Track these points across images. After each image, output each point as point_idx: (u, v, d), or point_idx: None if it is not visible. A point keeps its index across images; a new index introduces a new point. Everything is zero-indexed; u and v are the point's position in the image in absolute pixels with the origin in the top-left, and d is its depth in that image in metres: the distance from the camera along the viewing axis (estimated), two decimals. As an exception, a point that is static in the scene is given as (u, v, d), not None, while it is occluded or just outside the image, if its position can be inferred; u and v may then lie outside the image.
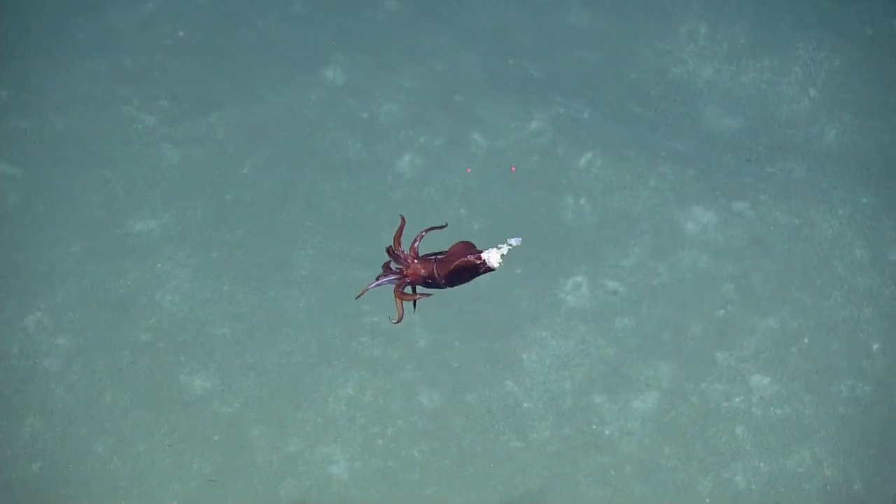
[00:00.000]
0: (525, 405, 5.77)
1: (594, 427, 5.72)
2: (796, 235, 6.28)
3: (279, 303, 6.06)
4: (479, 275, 3.70)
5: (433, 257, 3.74)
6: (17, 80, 6.73)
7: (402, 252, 3.75)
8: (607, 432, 5.71)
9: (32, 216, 6.34)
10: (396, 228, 3.82)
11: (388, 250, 3.76)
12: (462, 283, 3.74)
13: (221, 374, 5.82)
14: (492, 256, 3.64)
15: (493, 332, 5.98)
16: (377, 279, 3.77)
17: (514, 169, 6.27)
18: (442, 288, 3.76)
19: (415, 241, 3.75)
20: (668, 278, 6.13)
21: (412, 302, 3.76)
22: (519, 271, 6.16)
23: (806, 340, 5.95)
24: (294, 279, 6.13)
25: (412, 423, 5.71)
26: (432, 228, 3.84)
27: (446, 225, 3.81)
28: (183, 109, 6.68)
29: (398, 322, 3.74)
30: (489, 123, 6.64)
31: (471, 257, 3.64)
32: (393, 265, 3.76)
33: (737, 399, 5.77)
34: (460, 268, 3.67)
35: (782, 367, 5.86)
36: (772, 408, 5.75)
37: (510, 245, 3.64)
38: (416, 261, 3.72)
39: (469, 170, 6.28)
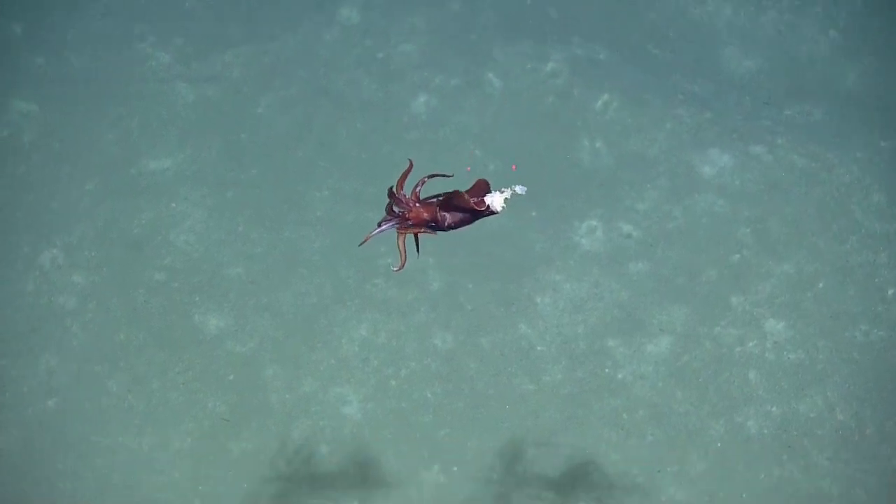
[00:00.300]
0: (538, 348, 5.78)
1: (607, 370, 5.73)
2: (813, 179, 6.23)
3: (294, 243, 6.06)
4: (481, 217, 3.70)
5: (435, 200, 3.72)
6: (33, 16, 6.69)
7: (404, 196, 3.73)
8: (620, 376, 5.71)
9: (48, 154, 6.33)
10: (402, 171, 3.79)
11: (390, 193, 3.73)
12: (465, 225, 3.74)
13: (236, 314, 5.83)
14: (495, 200, 3.64)
15: (506, 274, 5.97)
16: (379, 224, 3.76)
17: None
18: (445, 231, 3.76)
19: (417, 185, 3.73)
20: (683, 222, 6.10)
21: (416, 246, 3.77)
22: (534, 214, 6.13)
23: (821, 285, 5.93)
24: (309, 220, 6.12)
25: (425, 365, 5.73)
26: (436, 175, 3.81)
27: (452, 175, 3.78)
28: (197, 48, 6.64)
29: (400, 268, 3.75)
30: (505, 64, 6.58)
31: (474, 201, 3.64)
32: (395, 208, 3.75)
33: (750, 344, 5.77)
34: (463, 210, 3.67)
35: (797, 311, 5.84)
36: (785, 352, 5.75)
37: (515, 192, 3.65)
38: (417, 204, 3.71)
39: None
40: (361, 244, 3.87)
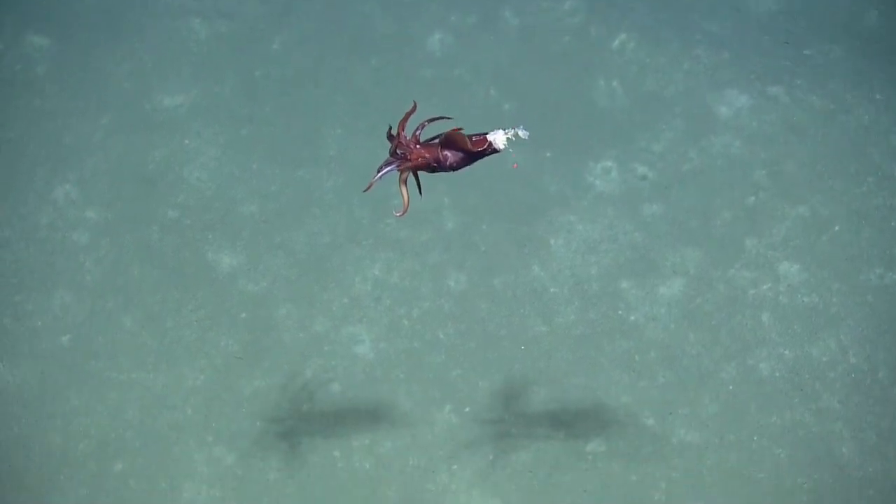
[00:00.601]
0: (551, 290, 5.77)
1: (620, 312, 5.72)
2: (831, 121, 6.16)
3: (307, 182, 6.04)
4: (484, 156, 3.71)
5: (437, 140, 3.70)
6: (44, -53, 6.66)
7: (405, 137, 3.70)
8: (633, 318, 5.71)
9: (60, 86, 6.31)
10: (405, 112, 3.75)
11: (389, 135, 3.70)
12: (467, 164, 3.72)
13: (249, 252, 5.83)
14: (497, 138, 3.67)
15: (520, 215, 5.95)
16: (379, 170, 3.74)
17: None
18: (447, 171, 3.75)
19: (417, 128, 3.70)
20: (698, 163, 6.05)
21: (418, 187, 3.75)
22: (548, 154, 6.10)
23: (837, 228, 5.89)
24: (322, 158, 6.10)
25: (438, 305, 5.73)
26: (437, 119, 3.78)
27: (452, 118, 3.75)
28: (211, -18, 6.60)
29: (404, 212, 3.73)
30: (521, 2, 6.51)
31: (474, 139, 3.65)
32: (397, 151, 3.72)
33: (764, 286, 5.74)
34: (463, 150, 3.66)
35: (811, 254, 5.81)
36: (799, 295, 5.73)
37: (517, 133, 3.67)
38: (418, 146, 3.69)
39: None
40: (366, 190, 3.85)
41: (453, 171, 3.76)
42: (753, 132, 6.10)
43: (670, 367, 5.59)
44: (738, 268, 5.78)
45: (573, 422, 5.46)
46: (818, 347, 5.61)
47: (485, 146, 3.66)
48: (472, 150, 3.67)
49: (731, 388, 5.54)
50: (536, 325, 5.69)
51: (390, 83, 6.28)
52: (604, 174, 6.03)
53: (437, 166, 3.71)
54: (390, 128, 3.71)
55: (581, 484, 5.36)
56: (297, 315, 5.69)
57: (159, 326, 5.65)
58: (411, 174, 3.73)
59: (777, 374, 5.56)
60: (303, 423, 5.45)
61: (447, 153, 3.68)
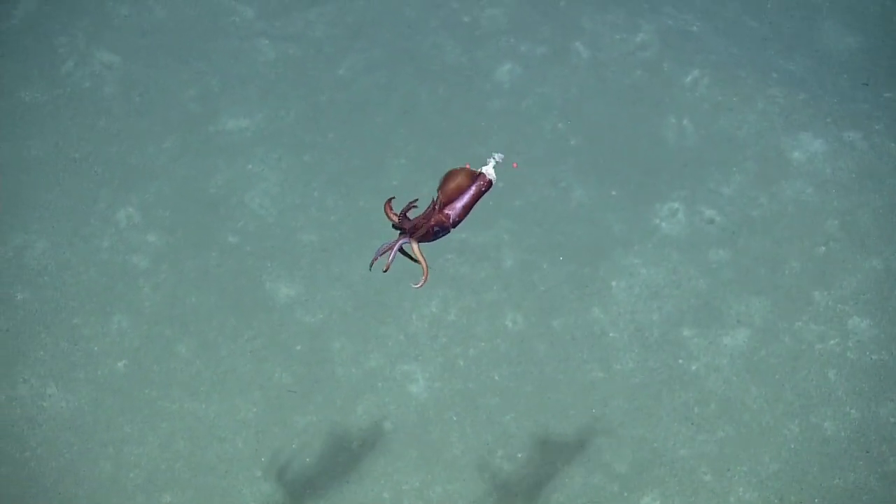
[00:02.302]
0: (611, 334, 5.65)
1: (680, 361, 5.59)
2: (911, 166, 5.98)
3: (368, 212, 5.97)
4: (481, 197, 3.82)
5: (432, 204, 3.78)
6: (118, -39, 6.65)
7: (406, 220, 3.83)
8: (693, 368, 5.57)
9: (128, 107, 6.30)
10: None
11: (395, 225, 3.87)
12: (469, 212, 3.81)
13: (307, 282, 5.79)
14: (488, 170, 3.81)
15: (582, 255, 5.84)
16: (384, 251, 3.87)
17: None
18: (455, 227, 3.82)
19: (406, 210, 3.85)
20: (769, 209, 5.88)
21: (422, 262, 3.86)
22: (614, 193, 5.97)
23: (911, 279, 5.72)
24: (385, 188, 6.02)
25: (495, 345, 5.65)
26: (413, 205, 3.86)
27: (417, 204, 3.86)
28: (282, 3, 6.53)
29: (425, 280, 3.85)
30: (593, 33, 6.37)
31: (475, 186, 3.79)
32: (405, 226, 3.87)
33: (832, 342, 5.57)
34: (461, 194, 3.77)
35: (883, 310, 5.63)
36: (868, 352, 5.54)
37: (495, 160, 3.83)
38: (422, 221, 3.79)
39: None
40: (385, 270, 3.94)
41: (454, 227, 3.81)
42: (827, 178, 5.92)
43: (730, 420, 5.45)
44: (805, 320, 5.62)
45: (628, 474, 5.34)
46: (886, 408, 5.43)
47: (482, 181, 3.78)
48: (470, 197, 3.77)
49: (792, 446, 5.39)
50: (594, 370, 5.58)
51: (457, 114, 6.18)
52: (670, 216, 5.89)
53: (440, 230, 3.79)
54: (396, 222, 3.81)
55: (632, 540, 5.27)
56: (351, 349, 5.64)
57: (214, 355, 5.63)
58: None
59: (842, 434, 5.39)
60: (353, 461, 5.40)
61: (448, 213, 3.75)
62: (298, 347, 5.65)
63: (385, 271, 3.91)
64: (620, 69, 6.28)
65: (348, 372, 5.59)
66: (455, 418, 5.50)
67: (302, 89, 6.31)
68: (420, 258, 3.88)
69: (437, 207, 3.82)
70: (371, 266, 3.95)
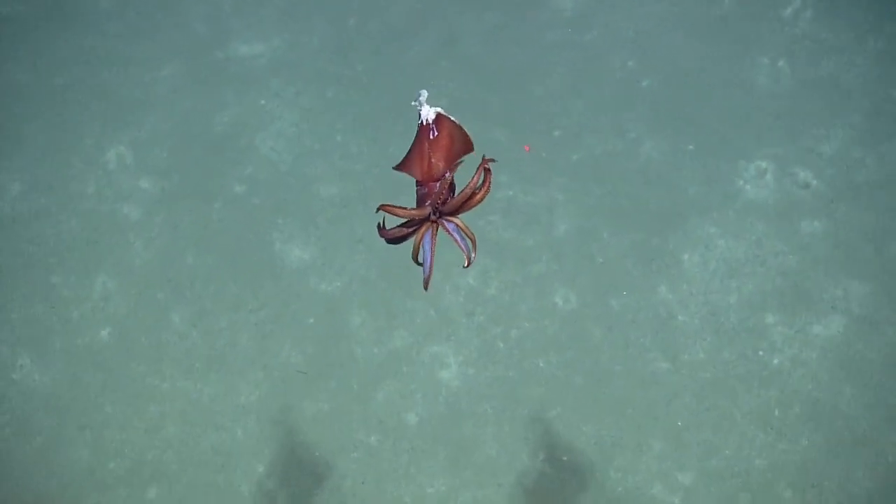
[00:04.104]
0: (679, 318, 4.76)
1: (761, 353, 4.70)
2: None
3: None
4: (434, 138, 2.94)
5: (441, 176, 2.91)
6: None
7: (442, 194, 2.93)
8: (776, 361, 4.68)
9: (123, 25, 5.42)
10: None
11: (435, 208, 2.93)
12: (451, 157, 2.94)
13: (324, 244, 4.93)
14: (424, 112, 2.89)
15: (649, 222, 4.92)
16: (422, 253, 3.00)
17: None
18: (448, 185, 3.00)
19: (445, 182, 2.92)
20: (876, 174, 4.91)
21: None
22: (691, 147, 5.02)
23: None
24: (418, 132, 5.11)
25: (541, 326, 4.78)
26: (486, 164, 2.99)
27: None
28: None
29: (472, 259, 2.98)
30: (675, -48, 5.37)
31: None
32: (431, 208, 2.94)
33: (945, 337, 4.66)
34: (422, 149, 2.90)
35: None
36: None
37: (419, 100, 2.90)
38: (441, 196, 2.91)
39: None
40: (427, 289, 3.03)
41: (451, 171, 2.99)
42: (950, 137, 4.94)
43: (818, 427, 4.57)
44: (914, 311, 4.70)
45: (694, 486, 4.51)
46: None
47: (427, 128, 2.89)
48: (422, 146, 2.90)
49: (891, 459, 4.51)
50: (657, 360, 4.71)
51: (506, 47, 5.23)
52: (757, 177, 4.94)
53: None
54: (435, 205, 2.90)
55: (695, 571, 4.45)
56: (373, 325, 4.80)
57: (212, 326, 4.81)
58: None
59: (952, 451, 4.51)
60: (370, 458, 4.60)
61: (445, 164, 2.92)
62: (311, 321, 4.82)
63: (426, 289, 3.07)
64: (705, -5, 5.29)
65: (368, 352, 4.76)
66: (491, 412, 4.66)
67: (328, 11, 5.37)
68: (469, 233, 3.01)
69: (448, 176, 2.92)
70: (428, 285, 3.08)
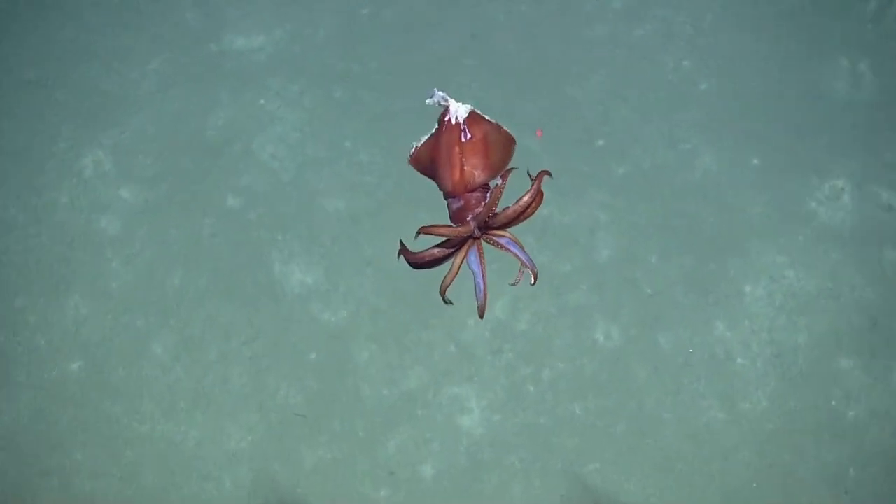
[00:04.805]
0: (739, 360, 4.12)
1: (834, 403, 4.06)
2: None
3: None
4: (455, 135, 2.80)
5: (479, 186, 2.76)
6: None
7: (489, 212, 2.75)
8: (851, 413, 4.04)
9: (106, 13, 4.84)
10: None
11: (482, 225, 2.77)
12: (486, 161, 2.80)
13: (328, 266, 4.31)
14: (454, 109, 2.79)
15: (705, 247, 4.28)
16: (478, 285, 2.87)
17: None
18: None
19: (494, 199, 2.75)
20: (971, 196, 4.28)
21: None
22: (755, 161, 4.38)
23: None
24: (441, 138, 4.50)
25: (579, 366, 4.14)
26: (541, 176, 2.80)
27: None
28: None
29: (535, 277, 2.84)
30: (738, -64, 4.73)
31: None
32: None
33: None
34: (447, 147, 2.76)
35: None
36: None
37: (439, 96, 2.85)
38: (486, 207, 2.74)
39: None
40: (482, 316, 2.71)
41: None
42: None
43: (900, 492, 3.94)
44: None
45: (752, 560, 3.89)
46: None
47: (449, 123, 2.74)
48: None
49: (984, 534, 3.88)
50: (713, 409, 4.07)
51: (541, 43, 4.62)
52: (832, 198, 4.30)
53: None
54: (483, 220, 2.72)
55: None
56: (383, 361, 4.17)
57: (200, 360, 4.20)
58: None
59: None
60: (377, 517, 4.00)
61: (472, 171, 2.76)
62: (313, 356, 4.19)
63: (482, 316, 2.94)
64: (773, -13, 4.66)
65: (378, 393, 4.13)
66: (519, 464, 4.04)
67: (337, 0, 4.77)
68: (520, 250, 2.83)
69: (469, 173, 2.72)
70: (484, 312, 2.90)
